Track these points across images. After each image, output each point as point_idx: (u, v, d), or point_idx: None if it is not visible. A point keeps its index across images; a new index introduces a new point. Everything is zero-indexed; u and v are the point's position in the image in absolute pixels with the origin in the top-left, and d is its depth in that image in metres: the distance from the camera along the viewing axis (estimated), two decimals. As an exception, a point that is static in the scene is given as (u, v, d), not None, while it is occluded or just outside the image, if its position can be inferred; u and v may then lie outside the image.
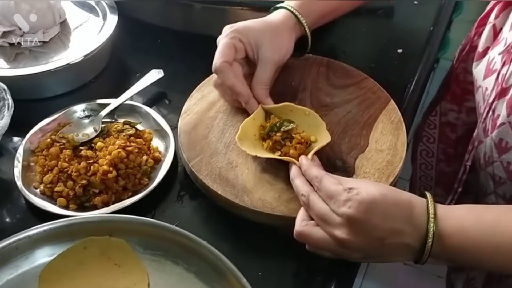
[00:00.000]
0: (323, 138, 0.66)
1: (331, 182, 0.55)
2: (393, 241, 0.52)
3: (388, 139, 0.69)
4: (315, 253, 0.56)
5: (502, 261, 0.53)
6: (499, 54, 0.70)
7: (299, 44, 0.76)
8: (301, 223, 0.56)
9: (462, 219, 0.54)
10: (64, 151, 0.69)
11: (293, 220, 0.58)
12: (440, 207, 0.54)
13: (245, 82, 0.70)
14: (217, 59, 0.68)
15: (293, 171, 0.61)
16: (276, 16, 0.74)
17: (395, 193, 0.54)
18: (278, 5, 0.76)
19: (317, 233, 0.54)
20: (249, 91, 0.69)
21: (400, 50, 0.91)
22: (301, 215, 0.57)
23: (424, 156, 0.97)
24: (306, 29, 0.75)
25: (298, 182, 0.59)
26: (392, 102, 0.74)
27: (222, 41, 0.70)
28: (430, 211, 0.53)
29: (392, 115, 0.72)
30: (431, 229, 0.52)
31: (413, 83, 0.84)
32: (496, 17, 0.75)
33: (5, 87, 0.72)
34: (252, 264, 0.60)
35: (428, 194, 0.54)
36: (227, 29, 0.71)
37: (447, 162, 0.94)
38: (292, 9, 0.74)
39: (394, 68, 0.88)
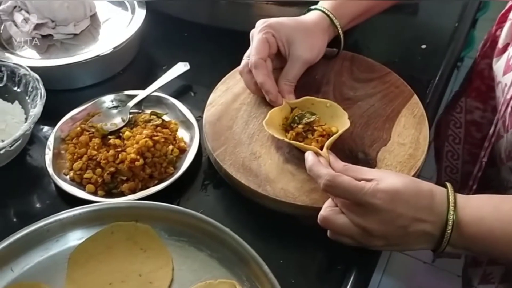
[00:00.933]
0: (343, 127, 0.67)
1: (347, 179, 0.55)
2: (415, 229, 0.54)
3: (410, 133, 0.69)
4: (336, 240, 0.58)
5: None
6: None
7: (330, 44, 0.77)
8: (326, 209, 0.57)
9: (480, 208, 0.55)
10: (93, 139, 0.71)
11: (314, 210, 0.59)
12: (460, 197, 0.55)
13: (273, 79, 0.71)
14: (253, 55, 0.69)
15: (310, 158, 0.60)
16: (310, 17, 0.75)
17: (416, 183, 0.55)
18: (312, 7, 0.77)
19: (341, 219, 0.56)
20: (277, 89, 0.71)
21: (424, 46, 0.91)
22: (328, 202, 0.58)
23: (449, 158, 0.97)
24: (340, 31, 0.76)
25: (319, 167, 0.58)
26: (415, 96, 0.74)
27: (256, 36, 0.71)
28: (450, 200, 0.54)
29: (415, 109, 0.72)
30: (451, 217, 0.53)
31: (437, 78, 0.84)
32: None
33: (37, 77, 0.74)
34: (274, 252, 0.62)
35: (448, 184, 0.56)
36: (261, 24, 0.72)
37: (472, 163, 0.93)
38: (326, 11, 0.75)
39: (417, 64, 0.88)
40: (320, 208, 0.58)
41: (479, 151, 0.87)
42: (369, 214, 0.54)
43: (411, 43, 0.92)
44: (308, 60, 0.73)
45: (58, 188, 0.69)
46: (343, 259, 0.61)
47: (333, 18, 0.75)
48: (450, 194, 0.54)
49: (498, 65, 0.75)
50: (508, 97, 0.69)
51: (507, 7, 0.81)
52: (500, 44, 0.77)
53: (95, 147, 0.70)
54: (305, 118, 0.67)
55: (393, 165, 0.65)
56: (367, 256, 0.61)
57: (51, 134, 0.74)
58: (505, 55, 0.74)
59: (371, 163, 0.66)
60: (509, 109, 0.69)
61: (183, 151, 0.72)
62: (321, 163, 0.59)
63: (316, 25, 0.74)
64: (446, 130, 0.95)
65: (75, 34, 0.88)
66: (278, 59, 0.74)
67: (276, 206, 0.63)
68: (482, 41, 0.88)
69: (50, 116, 0.74)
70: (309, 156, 0.61)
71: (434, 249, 0.55)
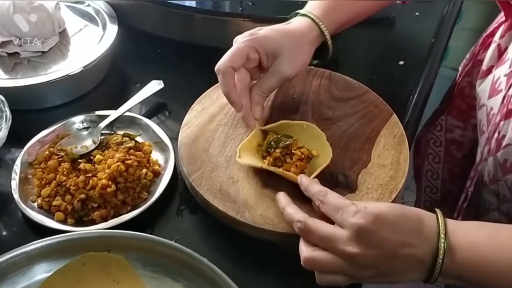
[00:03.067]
0: (324, 152, 0.65)
1: (337, 196, 0.55)
2: (405, 253, 0.51)
3: (390, 154, 0.68)
4: (327, 283, 0.54)
5: None
6: (505, 75, 0.69)
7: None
8: (308, 249, 0.53)
9: (474, 233, 0.53)
10: (62, 164, 0.68)
11: (295, 237, 0.57)
12: (451, 221, 0.53)
13: (247, 93, 0.68)
14: (223, 61, 0.65)
15: (282, 200, 0.59)
16: (298, 25, 0.71)
17: (401, 207, 0.53)
18: (300, 12, 0.73)
19: (327, 257, 0.52)
20: (247, 104, 0.67)
21: (401, 62, 0.90)
22: (304, 243, 0.54)
23: (429, 178, 0.96)
24: (328, 41, 0.72)
25: (291, 210, 0.56)
26: (394, 116, 0.73)
27: (236, 44, 0.67)
28: (440, 225, 0.51)
29: (394, 129, 0.71)
30: (442, 241, 0.50)
31: (415, 95, 0.84)
32: (501, 36, 0.75)
33: (3, 98, 0.71)
34: (254, 282, 0.60)
35: (437, 210, 0.53)
36: (247, 35, 0.67)
37: (452, 181, 0.93)
38: (315, 19, 0.71)
39: (395, 80, 0.87)
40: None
41: (459, 170, 0.87)
42: (353, 239, 0.50)
43: (388, 58, 0.92)
44: (289, 75, 0.69)
45: (25, 216, 0.65)
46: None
47: (323, 28, 0.71)
48: (440, 219, 0.52)
49: (482, 88, 0.75)
50: (497, 121, 0.68)
51: (491, 29, 0.80)
52: (485, 66, 0.77)
53: (65, 172, 0.67)
54: (282, 142, 0.65)
55: (374, 188, 0.64)
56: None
57: (18, 157, 0.71)
58: (490, 78, 0.74)
59: (351, 186, 0.64)
60: (496, 134, 0.68)
61: (157, 175, 0.70)
62: (293, 204, 0.57)
63: (304, 36, 0.70)
64: (426, 149, 0.94)
65: (43, 52, 0.84)
66: (259, 70, 0.70)
67: (255, 233, 0.61)
68: (462, 55, 0.88)
69: (17, 138, 0.71)
70: (281, 198, 0.59)
71: (426, 279, 0.53)
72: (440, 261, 0.50)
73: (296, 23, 0.72)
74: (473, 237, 0.52)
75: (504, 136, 0.66)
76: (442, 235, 0.51)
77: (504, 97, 0.68)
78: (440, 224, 0.52)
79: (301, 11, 0.73)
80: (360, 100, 0.75)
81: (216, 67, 0.66)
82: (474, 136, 0.85)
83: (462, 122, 0.88)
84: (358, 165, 0.67)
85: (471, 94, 0.84)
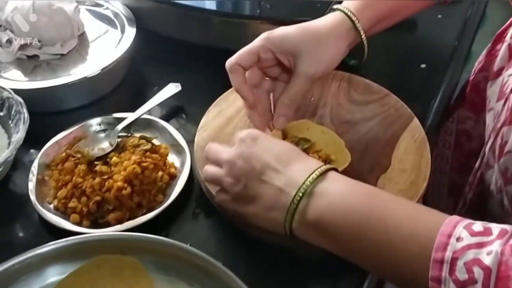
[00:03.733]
0: (343, 157, 0.64)
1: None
2: (268, 176, 0.52)
3: (411, 159, 0.66)
4: (219, 201, 0.59)
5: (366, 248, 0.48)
6: (510, 76, 0.67)
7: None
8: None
9: (354, 184, 0.51)
10: (79, 166, 0.68)
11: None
12: (338, 175, 0.52)
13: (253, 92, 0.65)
14: (230, 59, 0.63)
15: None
16: (325, 20, 0.66)
17: (297, 149, 0.56)
18: (334, 6, 0.68)
19: (214, 168, 0.58)
20: (252, 101, 0.65)
21: (423, 65, 0.88)
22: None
23: (438, 161, 0.93)
24: (363, 35, 0.66)
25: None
26: (416, 119, 0.71)
27: (250, 43, 0.64)
28: (321, 168, 0.51)
29: (415, 133, 0.69)
30: (309, 180, 0.50)
31: (437, 99, 0.82)
32: None
33: (21, 100, 0.71)
34: (268, 287, 0.58)
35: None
36: (263, 35, 0.65)
37: (459, 172, 0.90)
38: (346, 11, 0.65)
39: (417, 84, 0.85)
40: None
41: (467, 162, 0.83)
42: (234, 148, 0.56)
43: (410, 62, 0.90)
44: (314, 74, 0.63)
45: (41, 218, 0.65)
46: (342, 295, 0.58)
47: (354, 20, 0.65)
48: (324, 167, 0.51)
49: (492, 90, 0.72)
50: (499, 126, 0.66)
51: (504, 26, 0.78)
52: (496, 67, 0.74)
53: (81, 174, 0.66)
54: (300, 145, 0.64)
55: (393, 193, 0.62)
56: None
57: (35, 159, 0.71)
58: (499, 80, 0.71)
59: (370, 191, 0.63)
60: (498, 140, 0.65)
61: (173, 177, 0.69)
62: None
63: (330, 30, 0.64)
64: (437, 137, 0.91)
65: (62, 55, 0.84)
66: (285, 73, 0.66)
67: (272, 238, 0.59)
68: (479, 56, 0.85)
69: (35, 139, 0.71)
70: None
71: (283, 220, 0.51)
72: (300, 194, 0.49)
73: (324, 18, 0.67)
74: (352, 187, 0.51)
75: (506, 142, 0.63)
76: (315, 173, 0.50)
77: (506, 100, 0.65)
78: (322, 167, 0.51)
79: (335, 6, 0.68)
80: (380, 103, 0.74)
81: (226, 66, 0.64)
82: (484, 131, 0.82)
83: (474, 114, 0.84)
84: (377, 169, 0.65)
85: (485, 88, 0.80)
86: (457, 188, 0.90)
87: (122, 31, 0.88)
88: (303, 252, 0.59)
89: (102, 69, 0.80)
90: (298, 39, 0.63)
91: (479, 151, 0.76)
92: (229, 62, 0.63)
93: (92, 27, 0.91)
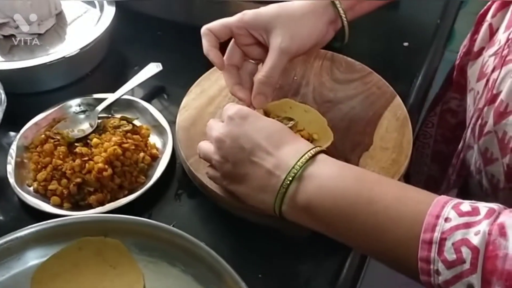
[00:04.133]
0: (325, 136, 0.64)
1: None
2: (258, 158, 0.52)
3: (393, 137, 0.66)
4: (209, 178, 0.59)
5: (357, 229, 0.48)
6: (490, 56, 0.67)
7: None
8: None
9: (343, 167, 0.51)
10: (58, 147, 0.66)
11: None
12: (325, 156, 0.52)
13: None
14: (206, 25, 0.63)
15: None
16: None
17: (284, 126, 0.55)
18: None
19: (205, 143, 0.58)
20: (223, 60, 0.64)
21: (406, 44, 0.88)
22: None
23: (421, 139, 0.93)
24: (342, 15, 0.64)
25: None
26: (398, 98, 0.71)
27: (226, 18, 0.64)
28: (311, 151, 0.50)
29: (397, 111, 0.69)
30: (300, 162, 0.50)
31: (420, 78, 0.82)
32: (493, 16, 0.71)
33: (-2, 81, 0.70)
34: (252, 267, 0.58)
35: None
36: (238, 14, 0.63)
37: (445, 143, 0.89)
38: None
39: (400, 62, 0.85)
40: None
41: (451, 135, 0.83)
42: (223, 126, 0.55)
43: (392, 40, 0.90)
44: (287, 49, 0.61)
45: (21, 200, 0.64)
46: (325, 273, 0.58)
47: None
48: (314, 149, 0.51)
49: (472, 70, 0.72)
50: (480, 106, 0.66)
51: (485, 7, 0.77)
52: (476, 47, 0.73)
53: (61, 156, 0.65)
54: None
55: (375, 171, 0.62)
56: (350, 271, 0.58)
57: (14, 141, 0.69)
58: (480, 60, 0.71)
59: (353, 169, 0.63)
60: (479, 120, 0.66)
61: (155, 159, 0.68)
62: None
63: (305, 6, 0.62)
64: (418, 116, 0.90)
65: (40, 34, 0.83)
66: (263, 50, 0.64)
67: (254, 217, 0.60)
68: (464, 37, 0.85)
69: (13, 121, 0.70)
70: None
71: (274, 203, 0.51)
72: (290, 178, 0.49)
73: None
74: (340, 170, 0.50)
75: (486, 123, 0.63)
76: (305, 157, 0.50)
77: (487, 81, 0.65)
78: (312, 150, 0.51)
79: None
80: (362, 81, 0.74)
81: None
82: (468, 107, 0.81)
83: (459, 94, 0.84)
84: (359, 148, 0.65)
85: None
86: (442, 155, 0.90)
87: (101, 10, 0.86)
88: (287, 233, 0.59)
89: (81, 49, 0.78)
90: (271, 15, 0.62)
91: (465, 123, 0.76)
92: (203, 27, 0.64)
93: (70, 6, 0.89)
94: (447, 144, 0.89)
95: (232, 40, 0.64)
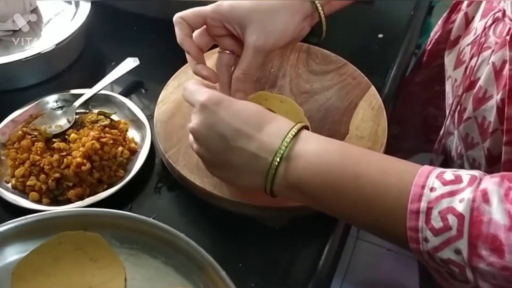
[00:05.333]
0: (302, 124, 0.65)
1: (196, 83, 0.59)
2: (240, 144, 0.51)
3: (368, 126, 0.68)
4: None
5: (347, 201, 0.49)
6: (468, 45, 0.68)
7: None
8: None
9: (327, 143, 0.52)
10: (36, 143, 0.66)
11: (274, 210, 0.57)
12: (308, 133, 0.52)
13: (202, 43, 0.64)
14: (179, 13, 0.62)
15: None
16: None
17: (259, 106, 0.54)
18: None
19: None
20: (198, 50, 0.63)
21: (380, 35, 0.89)
22: None
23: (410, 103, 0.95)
24: (319, 9, 0.63)
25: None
26: (373, 87, 0.72)
27: (200, 7, 0.63)
28: (293, 129, 0.51)
29: (372, 101, 0.71)
30: (285, 142, 0.50)
31: (394, 68, 0.83)
32: (469, 5, 0.73)
33: (-27, 78, 0.69)
34: (232, 256, 0.59)
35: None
36: (214, 4, 0.62)
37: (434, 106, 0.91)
38: None
39: (374, 54, 0.86)
40: (280, 208, 0.56)
41: (440, 102, 0.84)
42: (196, 116, 0.54)
43: (367, 32, 0.91)
44: (262, 47, 0.60)
45: (0, 197, 0.64)
46: (305, 261, 0.59)
47: None
48: (297, 125, 0.51)
49: (449, 59, 0.74)
50: (460, 93, 0.67)
51: None
52: (452, 36, 0.75)
53: (38, 152, 0.65)
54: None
55: (352, 160, 0.64)
56: (328, 258, 0.59)
57: (-10, 138, 0.69)
58: (456, 48, 0.72)
59: (330, 158, 0.64)
60: (458, 107, 0.68)
61: (134, 153, 0.68)
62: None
63: (282, 2, 0.61)
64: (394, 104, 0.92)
65: (15, 31, 0.82)
66: (239, 45, 0.64)
67: (233, 207, 0.60)
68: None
69: (-11, 119, 0.70)
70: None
71: (265, 185, 0.52)
72: (277, 159, 0.50)
73: None
74: (325, 146, 0.51)
75: (465, 109, 0.65)
76: (288, 136, 0.50)
77: (466, 68, 0.67)
78: (294, 129, 0.51)
79: None
80: (338, 73, 0.75)
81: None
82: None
83: (430, 81, 0.86)
84: (335, 137, 0.64)
85: (443, 56, 0.80)
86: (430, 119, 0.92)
87: (77, 5, 0.86)
88: (265, 222, 0.60)
89: (57, 45, 0.78)
90: (247, 9, 0.61)
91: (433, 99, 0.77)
92: (175, 15, 0.63)
93: (45, 2, 0.88)
94: (413, 111, 0.90)
95: (203, 27, 0.64)
